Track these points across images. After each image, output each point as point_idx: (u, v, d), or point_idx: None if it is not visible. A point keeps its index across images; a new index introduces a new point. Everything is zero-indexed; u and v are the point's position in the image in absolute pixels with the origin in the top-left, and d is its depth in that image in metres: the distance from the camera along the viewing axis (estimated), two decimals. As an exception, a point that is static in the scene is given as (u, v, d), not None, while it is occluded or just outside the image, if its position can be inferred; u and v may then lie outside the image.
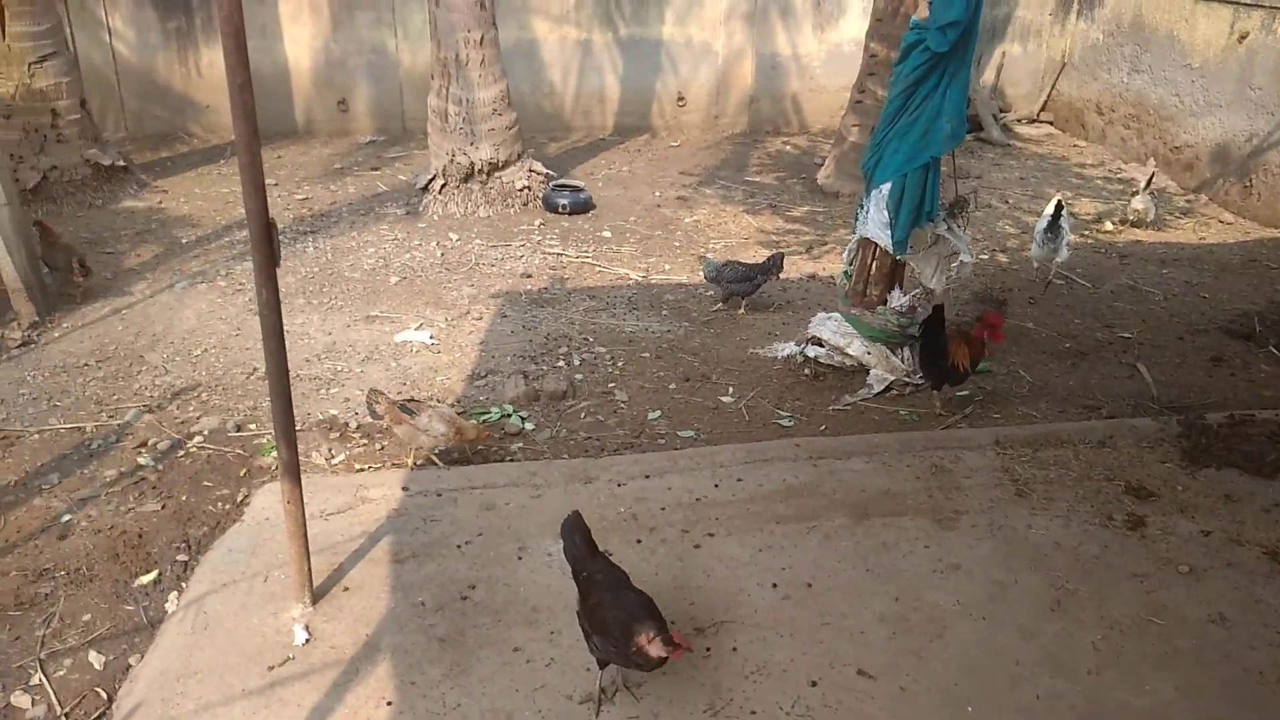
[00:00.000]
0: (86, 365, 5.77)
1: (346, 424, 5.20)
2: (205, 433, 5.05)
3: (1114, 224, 8.89)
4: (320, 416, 5.27)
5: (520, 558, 4.04)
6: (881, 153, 5.38)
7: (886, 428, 5.34)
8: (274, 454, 4.81)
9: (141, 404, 5.34)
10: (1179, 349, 6.48)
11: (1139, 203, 8.62)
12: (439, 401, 5.23)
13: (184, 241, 7.74)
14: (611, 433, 5.26)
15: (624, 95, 11.44)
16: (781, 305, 6.97)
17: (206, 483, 4.64)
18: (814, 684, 3.43)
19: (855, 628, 3.72)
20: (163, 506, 4.45)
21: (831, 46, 11.59)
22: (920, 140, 5.21)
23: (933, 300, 5.67)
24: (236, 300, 6.68)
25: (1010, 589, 3.98)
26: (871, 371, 5.73)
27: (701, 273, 6.91)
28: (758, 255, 7.87)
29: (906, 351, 5.82)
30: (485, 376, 5.80)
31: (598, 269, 7.53)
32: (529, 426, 5.25)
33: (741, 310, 6.80)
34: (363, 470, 4.79)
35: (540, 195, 8.85)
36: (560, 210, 8.66)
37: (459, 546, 4.09)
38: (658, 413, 5.46)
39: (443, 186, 8.62)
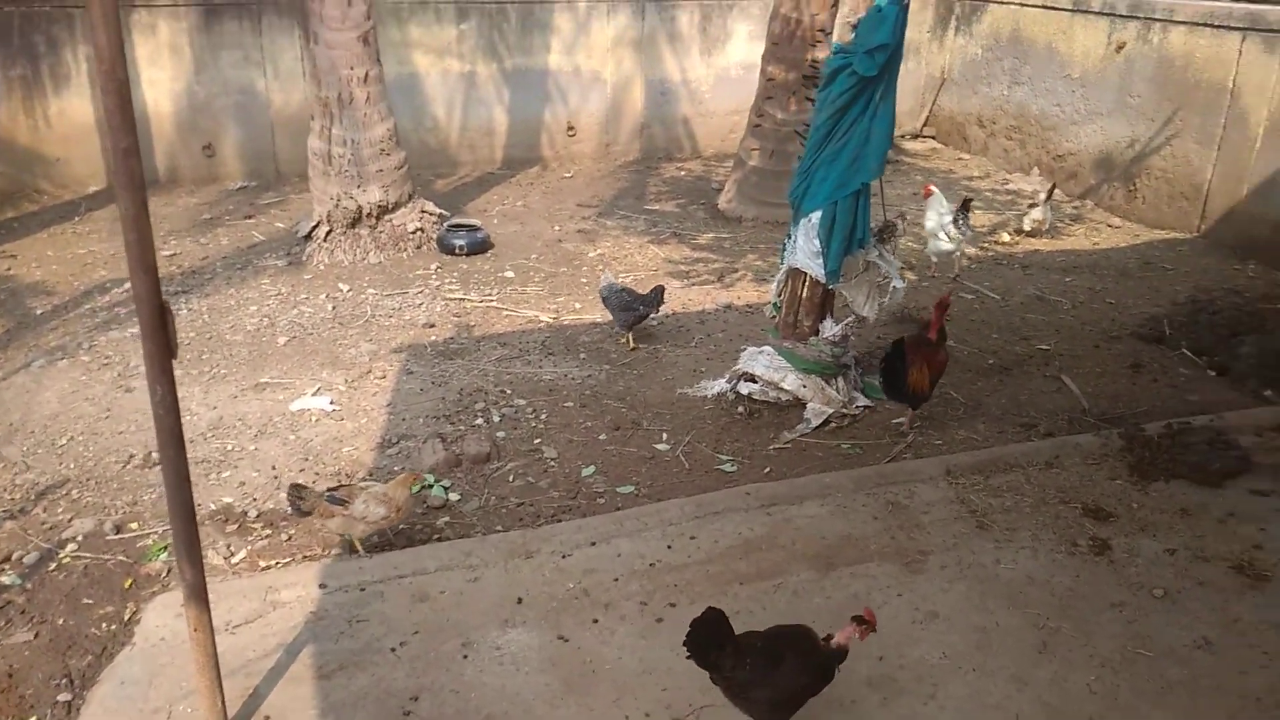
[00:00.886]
0: (-71, 466, 5.01)
1: (245, 513, 4.63)
2: (79, 538, 4.37)
3: (1010, 234, 9.00)
4: (213, 506, 4.67)
5: (466, 656, 3.59)
6: (810, 181, 5.17)
7: (832, 464, 5.10)
8: (163, 557, 4.23)
9: (0, 509, 4.63)
10: (1097, 358, 6.50)
11: (1039, 213, 8.74)
12: (368, 480, 4.71)
13: (38, 312, 6.93)
14: (545, 495, 4.84)
15: (512, 127, 11.06)
16: (701, 340, 6.70)
17: (86, 600, 3.99)
18: (812, 770, 3.11)
19: (845, 696, 3.41)
20: (35, 635, 3.79)
21: (719, 71, 11.50)
22: (850, 167, 5.02)
23: (865, 327, 5.50)
24: (103, 377, 5.96)
25: (993, 634, 3.76)
26: (808, 405, 5.50)
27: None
28: (668, 286, 7.57)
29: (841, 382, 5.62)
30: (397, 443, 5.31)
31: (505, 313, 7.11)
32: (454, 497, 4.79)
33: (624, 339, 6.52)
34: (270, 568, 4.24)
35: (434, 237, 8.37)
36: (457, 252, 8.20)
37: (393, 650, 3.61)
38: (592, 468, 5.08)
39: (328, 233, 8.04)
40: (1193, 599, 3.93)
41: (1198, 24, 8.60)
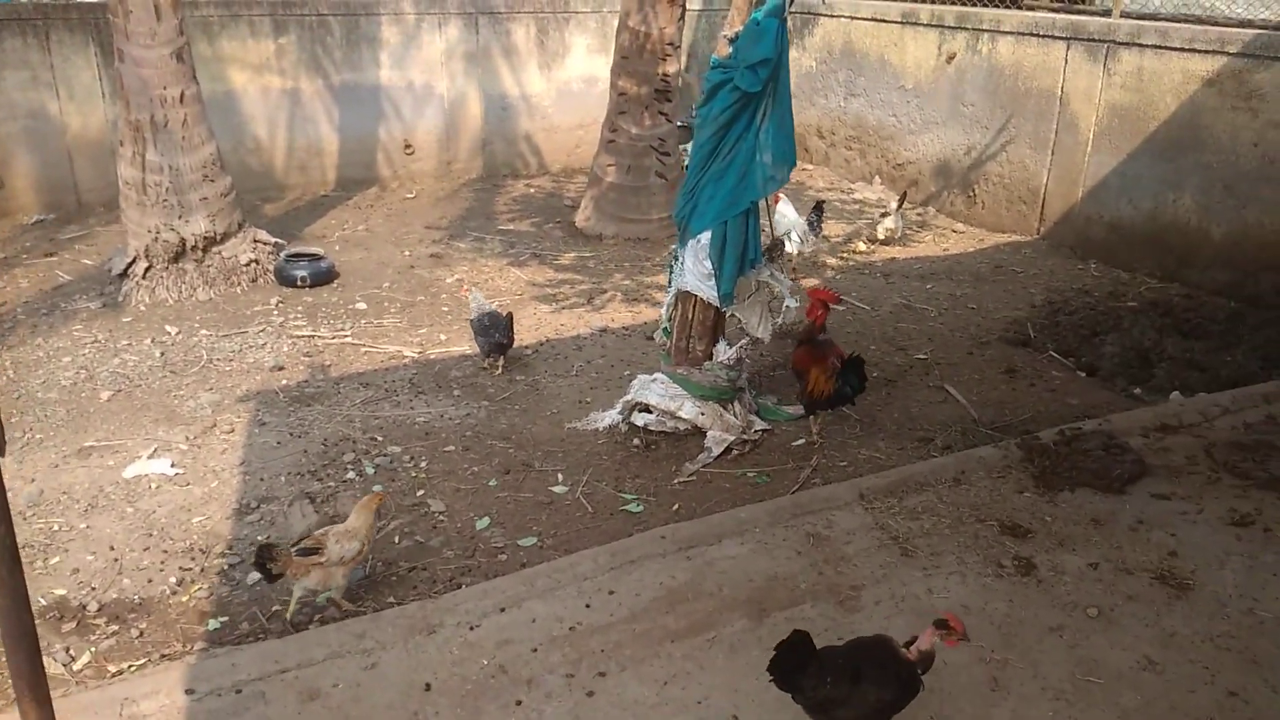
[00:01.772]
0: None
1: (84, 606, 3.90)
2: None
3: (865, 243, 9.11)
4: (43, 601, 3.91)
5: (378, 767, 3.08)
6: (696, 200, 4.90)
7: (742, 496, 4.85)
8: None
9: None
10: (972, 364, 6.57)
11: (891, 221, 8.89)
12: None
13: None
14: (439, 556, 4.34)
15: (344, 146, 10.33)
16: (581, 367, 6.32)
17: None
18: None
19: (802, 762, 3.13)
20: None
21: (561, 84, 11.17)
22: (738, 185, 4.79)
23: (758, 348, 5.30)
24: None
25: (943, 674, 3.56)
26: (709, 434, 5.23)
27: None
28: (536, 311, 7.22)
29: (737, 406, 5.39)
30: (258, 507, 4.66)
31: (363, 349, 6.49)
32: (334, 568, 4.21)
33: (487, 365, 6.15)
34: (121, 673, 3.56)
35: (272, 268, 7.62)
36: (299, 284, 7.49)
37: (289, 768, 3.06)
38: (486, 520, 4.61)
39: (147, 269, 7.16)
40: (1126, 615, 3.88)
41: (1024, 34, 8.97)
